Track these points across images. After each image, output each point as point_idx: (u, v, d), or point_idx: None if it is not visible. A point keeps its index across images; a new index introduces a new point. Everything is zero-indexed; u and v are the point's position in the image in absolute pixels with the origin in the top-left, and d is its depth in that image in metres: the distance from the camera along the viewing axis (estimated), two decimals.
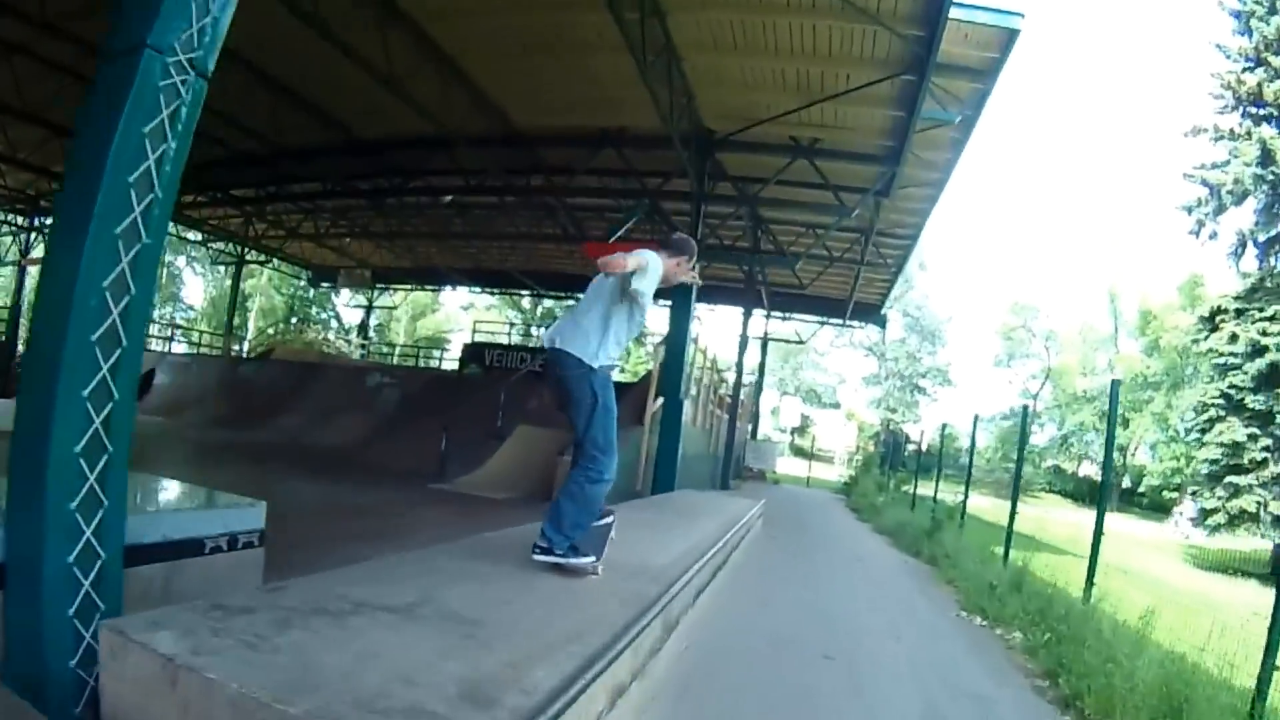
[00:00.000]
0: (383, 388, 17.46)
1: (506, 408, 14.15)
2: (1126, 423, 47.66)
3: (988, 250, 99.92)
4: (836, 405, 60.82)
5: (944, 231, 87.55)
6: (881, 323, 30.45)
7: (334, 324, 54.18)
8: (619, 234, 13.52)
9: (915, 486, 17.20)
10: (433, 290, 44.12)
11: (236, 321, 41.87)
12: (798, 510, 17.43)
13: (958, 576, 8.77)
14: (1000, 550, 9.95)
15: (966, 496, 11.65)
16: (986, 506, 14.89)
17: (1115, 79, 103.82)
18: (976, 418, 16.31)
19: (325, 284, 37.25)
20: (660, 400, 12.53)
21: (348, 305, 43.20)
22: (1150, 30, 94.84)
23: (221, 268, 40.68)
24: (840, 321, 29.76)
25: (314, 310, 54.78)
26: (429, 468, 13.00)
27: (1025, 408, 17.25)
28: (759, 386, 30.72)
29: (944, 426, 21.71)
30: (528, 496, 11.38)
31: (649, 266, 4.02)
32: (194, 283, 53.01)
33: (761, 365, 30.62)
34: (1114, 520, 9.08)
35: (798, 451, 53.43)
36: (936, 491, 14.49)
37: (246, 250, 28.84)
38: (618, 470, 4.28)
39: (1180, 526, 34.79)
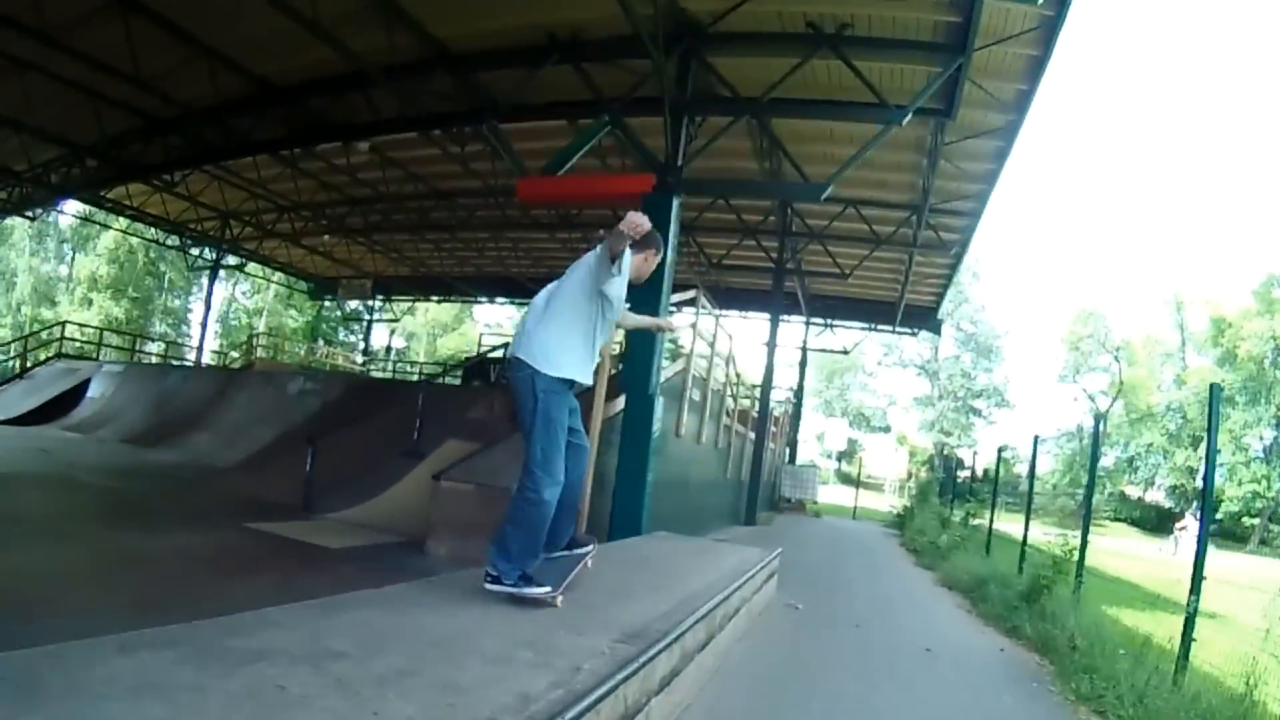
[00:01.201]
0: (303, 395, 14.16)
1: (431, 418, 10.65)
2: (1196, 442, 42.90)
3: (1044, 259, 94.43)
4: (886, 429, 56.51)
5: (996, 238, 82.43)
6: (936, 328, 26.41)
7: (360, 345, 51.18)
8: (570, 163, 9.81)
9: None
10: (438, 300, 40.27)
11: (238, 339, 39.37)
12: (837, 553, 13.80)
13: (1110, 698, 5.06)
14: (1141, 625, 6.31)
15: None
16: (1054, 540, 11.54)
17: (1176, 74, 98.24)
18: (1036, 438, 12.99)
19: (329, 298, 34.82)
20: (621, 400, 8.82)
21: (367, 320, 40.23)
22: (1220, 23, 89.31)
23: (226, 278, 38.49)
24: (889, 328, 25.91)
25: (340, 333, 51.83)
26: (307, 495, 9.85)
27: (1097, 419, 13.03)
28: (798, 404, 26.90)
29: (1001, 450, 18.44)
30: (414, 540, 8.09)
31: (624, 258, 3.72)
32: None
33: (800, 379, 26.78)
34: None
35: (844, 479, 49.34)
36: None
37: (223, 253, 26.25)
38: None
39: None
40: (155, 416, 15.75)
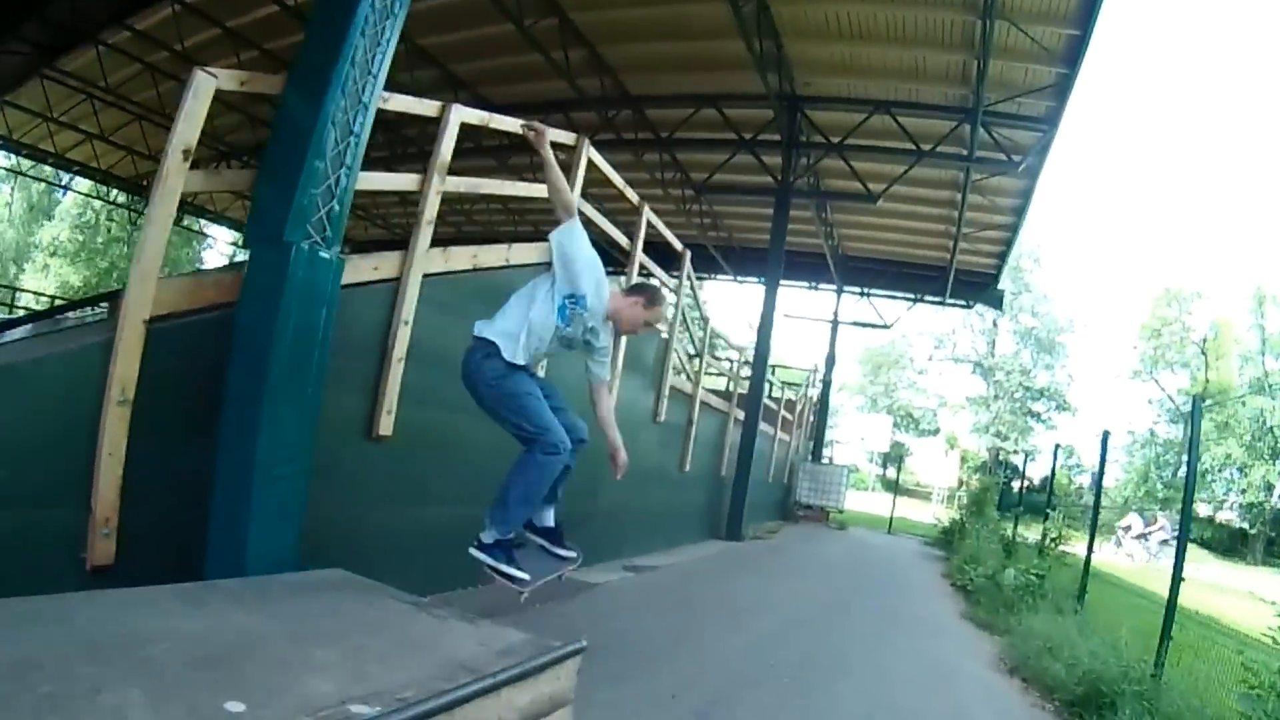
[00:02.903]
0: None
1: None
2: (1276, 456, 37.08)
3: (1114, 248, 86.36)
4: (935, 431, 50.98)
5: (1060, 221, 75.15)
6: (997, 301, 21.18)
7: None
8: None
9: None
10: None
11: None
12: (847, 590, 9.31)
13: None
14: None
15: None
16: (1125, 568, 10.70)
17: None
18: (1106, 434, 9.70)
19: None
20: None
21: None
22: None
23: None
24: (938, 299, 21.01)
25: None
26: None
27: (1196, 401, 8.63)
28: (826, 386, 21.93)
29: (1057, 450, 15.29)
30: None
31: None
32: None
33: (830, 357, 21.86)
34: None
35: (889, 486, 44.13)
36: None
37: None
38: None
39: None
40: None
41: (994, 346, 48.13)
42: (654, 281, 4.62)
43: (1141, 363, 44.92)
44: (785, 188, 13.21)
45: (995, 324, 47.03)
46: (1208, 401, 41.15)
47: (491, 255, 5.52)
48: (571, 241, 3.64)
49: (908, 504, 27.96)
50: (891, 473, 46.26)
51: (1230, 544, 35.89)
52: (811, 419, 21.67)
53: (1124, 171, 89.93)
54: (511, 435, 3.58)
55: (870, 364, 50.54)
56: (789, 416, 18.19)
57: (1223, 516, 39.86)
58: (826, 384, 21.60)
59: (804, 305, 58.59)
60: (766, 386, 16.57)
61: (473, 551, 3.57)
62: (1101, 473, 10.11)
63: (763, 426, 14.78)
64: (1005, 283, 21.81)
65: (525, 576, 3.59)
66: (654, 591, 7.69)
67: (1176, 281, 46.26)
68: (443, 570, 4.61)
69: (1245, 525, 37.98)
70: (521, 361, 3.55)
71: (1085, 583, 8.36)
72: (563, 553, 3.92)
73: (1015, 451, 43.03)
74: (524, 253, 5.73)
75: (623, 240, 7.81)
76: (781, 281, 21.72)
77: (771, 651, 5.60)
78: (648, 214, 8.01)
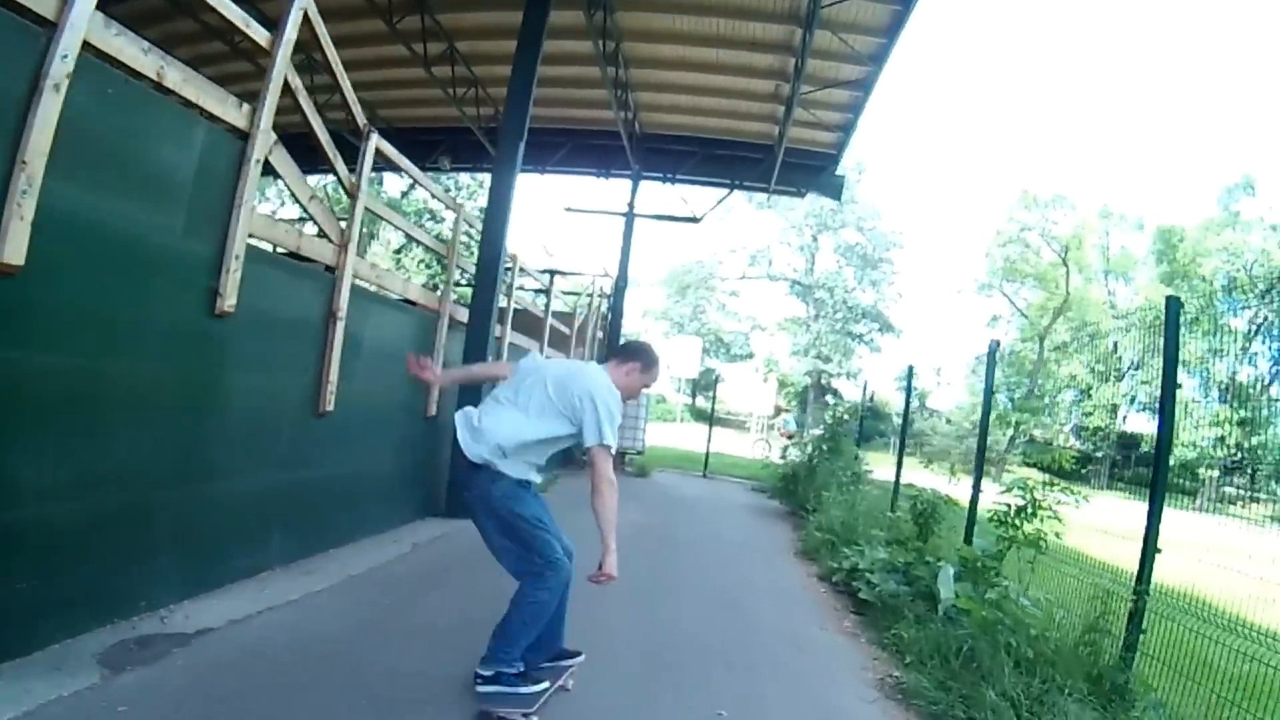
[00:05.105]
0: None
1: None
2: (1120, 375, 36.46)
3: (949, 163, 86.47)
4: (749, 356, 48.10)
5: (886, 131, 73.82)
6: (835, 188, 16.93)
7: None
8: None
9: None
10: None
11: None
12: (642, 644, 4.49)
13: None
14: None
15: None
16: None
17: None
18: (994, 344, 7.69)
19: None
20: None
21: None
22: None
23: None
24: (763, 185, 16.66)
25: None
26: None
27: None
28: (619, 296, 17.13)
29: (910, 372, 12.20)
30: None
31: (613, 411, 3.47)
32: None
33: (624, 255, 17.13)
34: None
35: (699, 415, 40.63)
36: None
37: None
38: None
39: None
40: None
41: (814, 263, 45.33)
42: (643, 342, 4.29)
43: (990, 275, 43.22)
44: None
45: (815, 239, 44.24)
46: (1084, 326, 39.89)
47: None
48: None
49: (723, 436, 24.20)
50: (702, 402, 42.97)
51: (1074, 469, 34.79)
52: (600, 335, 16.96)
53: (964, 80, 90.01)
54: (512, 564, 3.47)
55: (675, 285, 46.72)
56: (565, 330, 13.41)
57: (1064, 441, 39.00)
58: (620, 288, 16.80)
59: (595, 199, 52.12)
60: (544, 296, 12.06)
61: (482, 690, 3.36)
62: (990, 392, 7.28)
63: (519, 339, 9.99)
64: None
65: (544, 686, 3.48)
66: None
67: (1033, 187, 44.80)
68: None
69: (1087, 449, 37.14)
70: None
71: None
72: (564, 664, 3.71)
73: (838, 375, 40.63)
74: None
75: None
76: (568, 168, 17.09)
77: None
78: None
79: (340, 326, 5.34)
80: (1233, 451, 30.83)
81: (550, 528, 3.48)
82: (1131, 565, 4.27)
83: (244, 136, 4.32)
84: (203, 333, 4.13)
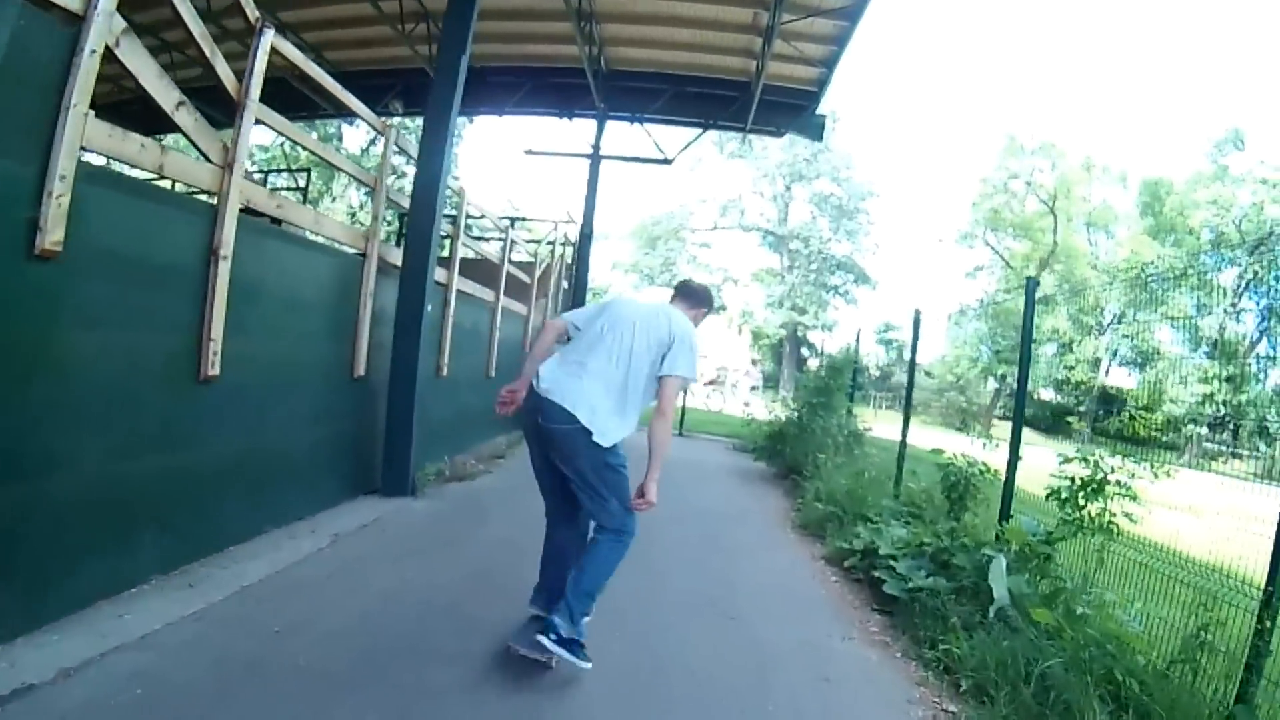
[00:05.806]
0: None
1: None
2: (1101, 330, 35.98)
3: (927, 113, 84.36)
4: (721, 309, 47.15)
5: (864, 79, 71.76)
6: (816, 128, 15.84)
7: None
8: None
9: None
10: None
11: None
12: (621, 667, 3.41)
13: None
14: None
15: None
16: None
17: None
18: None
19: None
20: None
21: None
22: None
23: None
24: (738, 126, 15.53)
25: None
26: None
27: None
28: (585, 243, 15.90)
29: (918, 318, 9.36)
30: None
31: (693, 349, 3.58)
32: None
33: (590, 195, 15.74)
34: None
35: None
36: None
37: None
38: None
39: None
40: None
41: (787, 213, 44.21)
42: (705, 287, 4.06)
43: (974, 225, 42.22)
44: None
45: (789, 189, 43.09)
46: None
47: None
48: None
49: (697, 390, 23.46)
50: None
51: (1053, 422, 34.36)
52: (565, 285, 15.87)
53: (941, 26, 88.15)
54: (591, 509, 3.52)
55: (645, 236, 45.45)
56: (525, 279, 12.33)
57: (1045, 395, 38.62)
58: (586, 235, 15.65)
59: (559, 141, 49.27)
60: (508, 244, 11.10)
61: (553, 648, 3.26)
62: (1029, 338, 6.06)
63: (468, 288, 8.95)
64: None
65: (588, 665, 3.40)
66: None
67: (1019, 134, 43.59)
68: None
69: (1067, 402, 36.66)
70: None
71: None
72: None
73: (814, 327, 39.82)
74: None
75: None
76: (528, 109, 15.88)
77: None
78: None
79: (225, 268, 4.26)
80: (1218, 409, 30.45)
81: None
82: (1207, 549, 3.41)
83: (77, 20, 3.25)
84: (18, 278, 3.09)
